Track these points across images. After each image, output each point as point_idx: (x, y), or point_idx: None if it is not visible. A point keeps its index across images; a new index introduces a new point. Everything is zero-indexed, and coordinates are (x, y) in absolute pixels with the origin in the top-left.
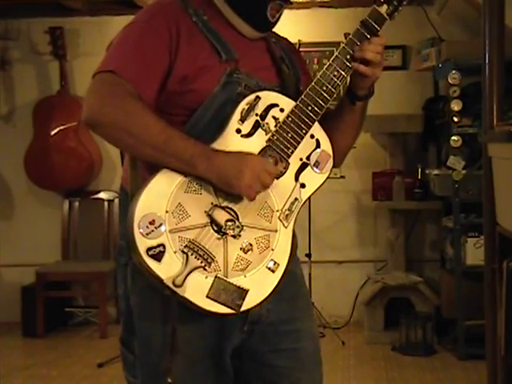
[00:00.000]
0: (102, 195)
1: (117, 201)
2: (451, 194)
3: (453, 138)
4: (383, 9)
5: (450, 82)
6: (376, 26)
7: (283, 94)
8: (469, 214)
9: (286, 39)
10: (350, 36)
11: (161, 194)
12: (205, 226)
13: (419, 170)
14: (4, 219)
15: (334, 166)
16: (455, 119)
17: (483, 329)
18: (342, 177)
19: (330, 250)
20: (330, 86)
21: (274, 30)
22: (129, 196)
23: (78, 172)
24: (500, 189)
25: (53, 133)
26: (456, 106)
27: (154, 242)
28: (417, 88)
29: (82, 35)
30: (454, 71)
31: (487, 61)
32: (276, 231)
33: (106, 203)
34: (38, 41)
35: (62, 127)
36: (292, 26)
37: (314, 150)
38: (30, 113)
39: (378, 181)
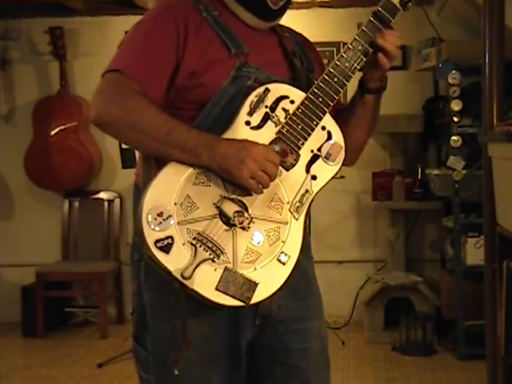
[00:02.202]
0: (102, 195)
1: (117, 201)
2: (451, 193)
3: (453, 138)
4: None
5: (450, 82)
6: (389, 17)
7: (294, 85)
8: (469, 214)
9: (301, 34)
10: (363, 27)
11: (169, 186)
12: (213, 217)
13: (419, 170)
14: (4, 219)
15: (347, 165)
16: (455, 119)
17: (483, 329)
18: (342, 177)
19: (330, 250)
20: (341, 78)
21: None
22: (141, 191)
23: (78, 172)
24: (500, 189)
25: (53, 133)
26: (456, 106)
27: (162, 234)
28: (417, 88)
29: (82, 35)
30: (454, 71)
31: (487, 61)
32: (286, 223)
33: (106, 203)
34: (38, 41)
35: (61, 127)
36: (292, 26)
37: (325, 142)
38: (29, 113)
39: (377, 181)
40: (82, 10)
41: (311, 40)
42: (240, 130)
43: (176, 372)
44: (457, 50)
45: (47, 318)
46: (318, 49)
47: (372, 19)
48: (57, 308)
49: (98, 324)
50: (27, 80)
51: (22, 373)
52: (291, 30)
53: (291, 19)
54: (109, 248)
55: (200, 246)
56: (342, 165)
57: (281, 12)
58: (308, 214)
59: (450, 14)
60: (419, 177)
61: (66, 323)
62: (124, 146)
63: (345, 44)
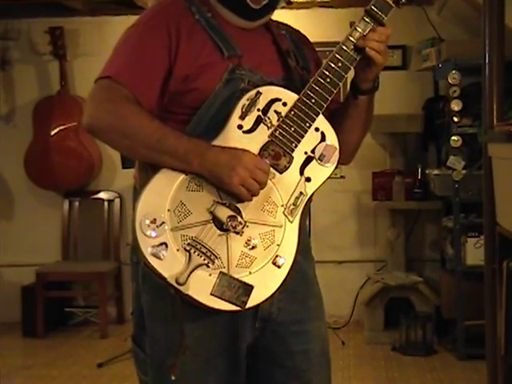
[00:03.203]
0: (102, 195)
1: (117, 201)
2: (451, 193)
3: (453, 138)
4: None
5: (450, 82)
6: (382, 15)
7: (286, 87)
8: (469, 214)
9: (298, 31)
10: (355, 26)
11: (162, 192)
12: (207, 223)
13: (419, 170)
14: (4, 219)
15: (343, 164)
16: (455, 119)
17: (483, 329)
18: (342, 177)
19: (329, 250)
20: (334, 78)
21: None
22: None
23: (78, 172)
24: (500, 189)
25: (53, 133)
26: (456, 106)
27: (156, 241)
28: (417, 88)
29: (82, 35)
30: (454, 71)
31: (487, 61)
32: (281, 226)
33: (106, 203)
34: (38, 41)
35: (62, 127)
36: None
37: (319, 143)
38: (30, 113)
39: (377, 181)
40: (82, 9)
41: (311, 40)
42: (232, 134)
43: (173, 378)
44: (457, 49)
45: (47, 318)
46: (317, 49)
47: (364, 17)
48: (57, 308)
49: (98, 324)
50: (27, 80)
51: (22, 373)
52: (288, 26)
53: (291, 19)
54: (109, 248)
55: (194, 252)
56: (337, 164)
57: (265, 11)
58: (307, 216)
59: (450, 14)
60: (419, 177)
61: (65, 323)
62: None
63: None
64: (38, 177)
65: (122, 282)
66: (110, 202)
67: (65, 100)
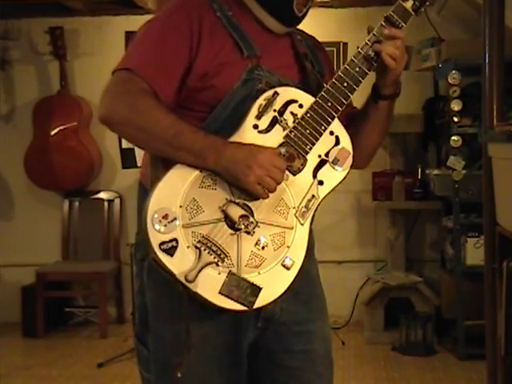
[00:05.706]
0: (101, 195)
1: (117, 201)
2: (451, 193)
3: (453, 138)
4: (408, 4)
5: (450, 82)
6: (401, 22)
7: (303, 89)
8: (469, 214)
9: (313, 37)
10: (373, 32)
11: (175, 188)
12: (218, 221)
13: (419, 170)
14: (4, 219)
15: (359, 168)
16: (455, 119)
17: (483, 329)
18: None
19: (329, 250)
20: (351, 83)
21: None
22: (147, 191)
23: (78, 172)
24: (500, 189)
25: (53, 133)
26: (456, 106)
27: (166, 237)
28: (417, 88)
29: (82, 35)
30: (454, 71)
31: (487, 61)
32: (292, 228)
33: (106, 203)
34: (38, 41)
35: (61, 127)
36: None
37: (333, 147)
38: (30, 113)
39: (377, 181)
40: (82, 9)
41: None
42: (247, 134)
43: (179, 375)
44: (457, 49)
45: (47, 317)
46: None
47: (383, 23)
48: (57, 308)
49: (98, 324)
50: (27, 80)
51: (22, 373)
52: (303, 32)
53: None
54: (109, 248)
55: (204, 250)
56: (350, 169)
57: (302, 18)
58: (313, 218)
59: (450, 14)
60: (419, 177)
61: (66, 323)
62: (124, 146)
63: (345, 44)
64: (38, 177)
65: (122, 281)
66: (110, 202)
67: (65, 100)
